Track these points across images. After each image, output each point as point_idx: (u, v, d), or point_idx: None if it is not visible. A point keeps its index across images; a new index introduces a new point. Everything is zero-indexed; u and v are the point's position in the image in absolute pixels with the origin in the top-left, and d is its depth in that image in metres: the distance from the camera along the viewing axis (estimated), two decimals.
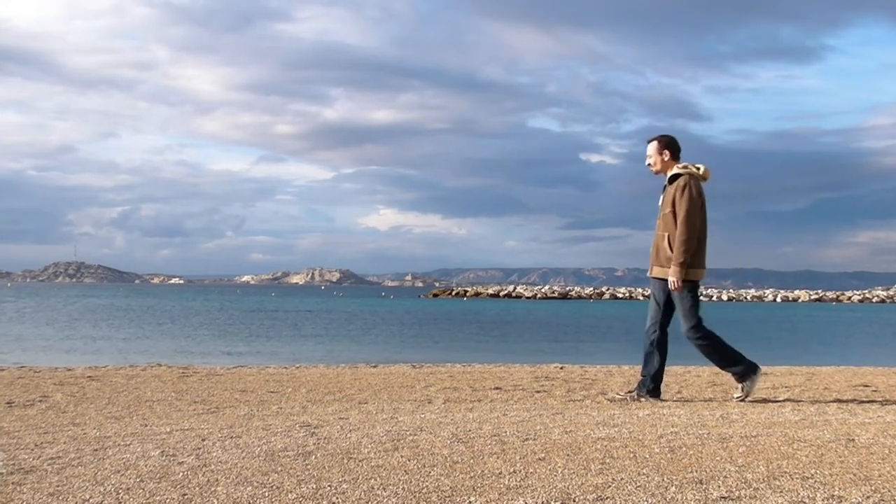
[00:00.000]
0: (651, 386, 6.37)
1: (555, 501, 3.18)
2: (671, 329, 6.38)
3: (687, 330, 6.29)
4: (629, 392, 6.51)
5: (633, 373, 9.28)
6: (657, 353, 6.35)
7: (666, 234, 6.29)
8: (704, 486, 3.43)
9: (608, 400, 6.45)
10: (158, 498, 3.23)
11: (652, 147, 6.44)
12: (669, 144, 6.40)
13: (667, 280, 6.29)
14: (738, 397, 6.37)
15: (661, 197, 6.40)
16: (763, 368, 6.54)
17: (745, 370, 6.31)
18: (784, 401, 6.55)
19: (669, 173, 6.35)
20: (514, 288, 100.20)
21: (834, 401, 6.60)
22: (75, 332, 24.53)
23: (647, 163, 6.48)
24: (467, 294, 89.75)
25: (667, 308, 6.39)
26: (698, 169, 6.30)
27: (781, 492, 3.35)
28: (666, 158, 6.38)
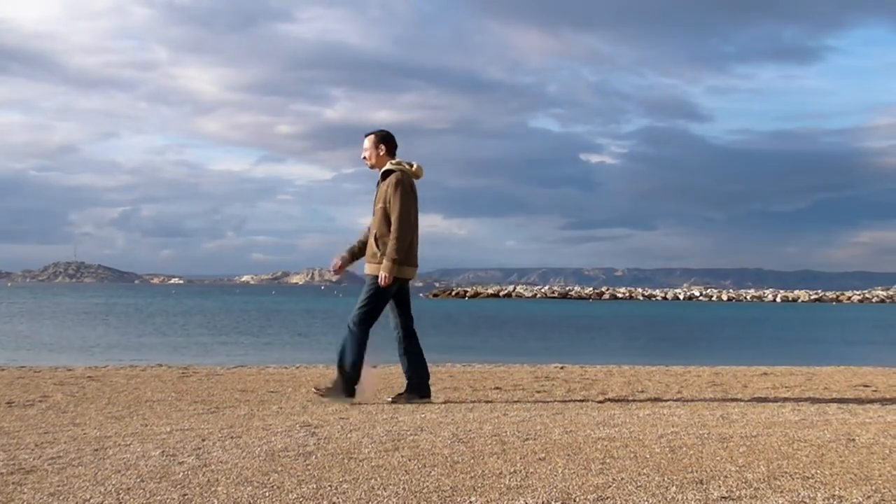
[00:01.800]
0: (417, 384, 6.31)
1: (555, 501, 3.18)
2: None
3: (353, 315, 6.23)
4: (400, 395, 6.35)
5: (633, 373, 9.28)
6: (410, 354, 6.31)
7: (375, 232, 6.20)
8: (705, 486, 3.43)
9: (390, 401, 6.28)
10: (159, 498, 3.23)
11: (368, 141, 6.35)
12: (386, 139, 6.32)
13: (377, 277, 6.18)
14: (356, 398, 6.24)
15: (375, 193, 6.30)
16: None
17: (344, 387, 6.21)
18: (784, 401, 6.56)
19: (383, 169, 6.28)
20: (514, 288, 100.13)
21: (834, 401, 6.60)
22: (74, 332, 24.53)
23: (362, 156, 6.38)
24: (467, 294, 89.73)
25: (399, 305, 6.34)
26: (411, 166, 6.25)
27: (782, 492, 3.35)
28: (381, 153, 6.29)
